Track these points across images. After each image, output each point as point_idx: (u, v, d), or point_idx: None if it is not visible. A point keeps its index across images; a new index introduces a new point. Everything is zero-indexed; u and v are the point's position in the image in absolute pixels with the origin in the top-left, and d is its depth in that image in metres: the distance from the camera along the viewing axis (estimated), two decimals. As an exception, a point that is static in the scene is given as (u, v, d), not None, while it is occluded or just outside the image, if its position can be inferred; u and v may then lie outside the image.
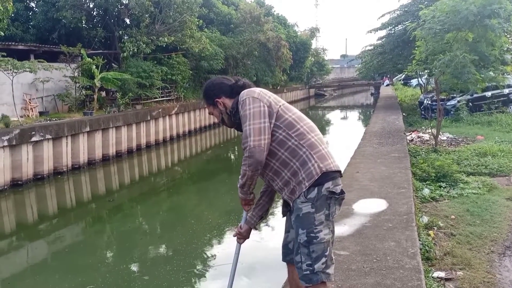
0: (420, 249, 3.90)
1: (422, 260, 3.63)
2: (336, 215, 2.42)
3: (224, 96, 2.52)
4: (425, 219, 4.97)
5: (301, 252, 2.31)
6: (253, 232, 2.70)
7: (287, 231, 2.55)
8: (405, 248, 3.61)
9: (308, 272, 2.28)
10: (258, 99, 2.35)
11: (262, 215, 2.68)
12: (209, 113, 2.63)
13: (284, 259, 2.60)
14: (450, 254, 4.12)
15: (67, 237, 9.13)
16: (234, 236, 2.69)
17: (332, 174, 2.33)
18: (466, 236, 4.56)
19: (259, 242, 7.09)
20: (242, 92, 2.43)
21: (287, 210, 2.52)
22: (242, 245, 2.70)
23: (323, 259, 2.28)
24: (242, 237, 2.67)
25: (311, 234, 2.28)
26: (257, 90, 2.43)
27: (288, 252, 2.53)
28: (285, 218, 2.59)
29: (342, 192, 2.38)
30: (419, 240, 4.06)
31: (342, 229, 4.04)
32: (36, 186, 12.08)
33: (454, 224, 4.93)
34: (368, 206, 4.85)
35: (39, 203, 11.19)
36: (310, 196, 2.29)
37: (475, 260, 3.98)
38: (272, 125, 2.34)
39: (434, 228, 4.79)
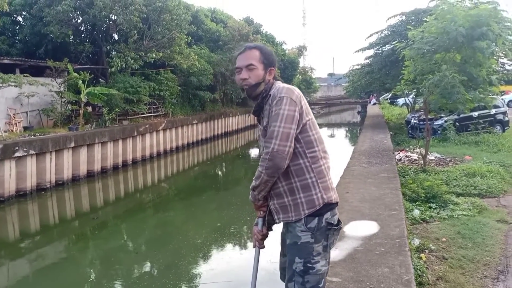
0: (413, 273, 3.79)
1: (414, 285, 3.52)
2: (334, 245, 2.36)
3: (275, 68, 2.41)
4: (416, 241, 4.88)
5: (295, 280, 2.24)
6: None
7: (283, 254, 2.45)
8: (399, 274, 3.50)
9: None
10: (295, 102, 2.23)
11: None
12: (247, 66, 2.35)
13: (282, 279, 2.49)
14: (443, 279, 4.02)
15: (49, 255, 8.89)
16: (255, 245, 2.47)
17: (331, 206, 2.29)
18: (458, 259, 4.48)
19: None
20: (282, 86, 2.29)
21: (272, 219, 2.43)
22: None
23: None
24: (264, 239, 2.47)
25: (308, 265, 2.22)
26: (296, 91, 2.29)
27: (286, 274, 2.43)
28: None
29: (339, 222, 2.33)
30: (412, 264, 3.96)
31: (333, 253, 3.91)
32: (18, 202, 11.78)
33: (445, 247, 4.85)
34: (359, 229, 4.75)
35: (21, 220, 10.89)
36: (311, 225, 2.24)
37: (469, 285, 3.90)
38: (296, 135, 2.24)
39: (425, 251, 4.71)
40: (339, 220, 2.33)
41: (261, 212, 2.43)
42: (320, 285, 2.24)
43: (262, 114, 2.35)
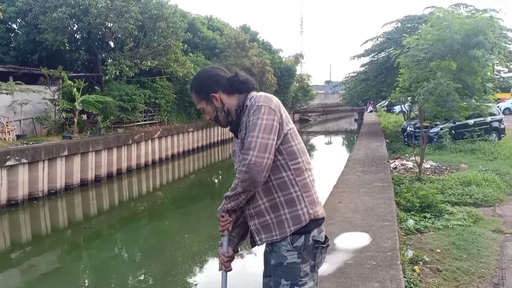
0: (405, 286, 3.68)
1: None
2: (321, 265, 2.20)
3: (221, 91, 2.18)
4: (410, 253, 4.77)
5: None
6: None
7: (267, 275, 2.28)
8: (390, 290, 3.39)
9: None
10: (274, 111, 2.06)
11: (243, 235, 2.34)
12: (200, 109, 2.27)
13: None
14: (436, 293, 3.91)
15: (41, 265, 8.78)
16: (221, 268, 2.28)
17: (317, 222, 2.13)
18: (452, 272, 4.36)
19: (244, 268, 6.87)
20: (258, 95, 2.13)
21: (253, 240, 2.24)
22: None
23: None
24: (230, 261, 2.28)
25: (296, 287, 2.06)
26: (275, 99, 2.12)
27: None
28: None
29: (326, 239, 2.18)
30: (404, 277, 3.85)
31: (322, 267, 3.76)
32: (9, 212, 11.63)
33: (440, 259, 4.74)
34: (350, 241, 4.63)
35: (12, 230, 10.75)
36: (297, 244, 2.07)
37: (463, 299, 3.78)
38: (276, 146, 2.07)
39: (419, 263, 4.59)
40: (326, 237, 2.18)
41: (225, 231, 2.22)
42: None
43: (240, 127, 2.17)
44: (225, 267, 2.28)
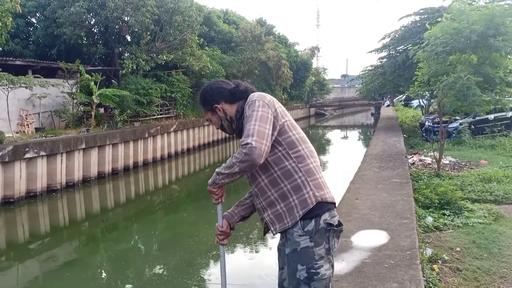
0: (424, 286, 3.61)
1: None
2: (336, 249, 2.23)
3: (223, 101, 2.33)
4: (429, 251, 4.67)
5: None
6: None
7: (281, 267, 2.31)
8: (409, 290, 3.32)
9: None
10: (267, 105, 2.18)
11: (245, 216, 2.46)
12: (207, 120, 2.45)
13: None
14: (456, 293, 3.83)
15: (59, 256, 8.89)
16: (216, 241, 2.40)
17: (328, 205, 2.18)
18: (473, 271, 4.26)
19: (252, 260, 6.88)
20: (253, 93, 2.26)
21: (265, 231, 2.35)
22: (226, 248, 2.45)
23: None
24: (226, 236, 2.39)
25: (312, 270, 2.09)
26: (268, 96, 2.25)
27: None
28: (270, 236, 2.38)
29: (340, 224, 2.21)
30: (423, 277, 3.77)
31: (339, 266, 3.73)
32: (28, 204, 11.81)
33: (459, 258, 4.64)
34: (368, 239, 4.55)
35: (31, 222, 10.90)
36: (308, 228, 2.12)
37: (484, 300, 3.69)
38: (273, 137, 2.15)
39: (438, 262, 4.50)
40: (340, 222, 2.21)
41: (218, 200, 2.30)
42: None
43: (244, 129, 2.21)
44: (219, 240, 2.39)
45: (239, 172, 2.11)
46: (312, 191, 2.14)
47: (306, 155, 2.21)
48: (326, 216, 2.14)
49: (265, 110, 2.15)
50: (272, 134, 2.14)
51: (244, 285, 6.15)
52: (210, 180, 2.23)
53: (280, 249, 2.32)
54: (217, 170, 2.20)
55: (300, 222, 2.13)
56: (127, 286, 7.21)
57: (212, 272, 7.19)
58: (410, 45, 11.91)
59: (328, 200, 2.18)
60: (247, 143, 2.05)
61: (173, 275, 7.26)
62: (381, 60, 22.61)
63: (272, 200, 2.20)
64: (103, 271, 8.11)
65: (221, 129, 2.41)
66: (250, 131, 2.08)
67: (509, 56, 9.15)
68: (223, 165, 2.17)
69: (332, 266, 2.20)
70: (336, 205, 2.27)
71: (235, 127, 2.32)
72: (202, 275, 7.21)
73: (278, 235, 2.32)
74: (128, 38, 21.92)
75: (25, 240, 9.91)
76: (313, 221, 2.12)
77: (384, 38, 21.57)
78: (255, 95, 2.23)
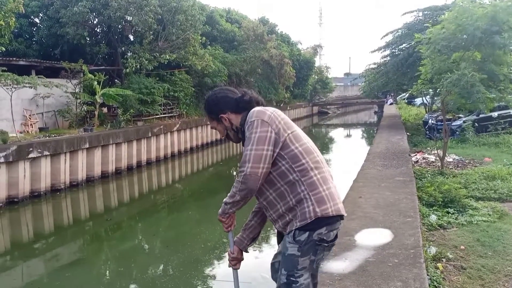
0: (429, 285, 3.59)
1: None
2: (322, 261, 2.33)
3: (229, 111, 2.37)
4: (433, 250, 4.66)
5: None
6: (250, 250, 2.53)
7: (279, 252, 2.45)
8: (413, 289, 3.31)
9: None
10: (267, 123, 2.20)
11: (254, 237, 2.55)
12: (212, 128, 2.49)
13: (273, 277, 2.49)
14: (461, 291, 3.81)
15: (64, 256, 8.92)
16: (229, 265, 2.52)
17: (327, 220, 2.20)
18: (477, 270, 4.25)
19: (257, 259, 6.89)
20: (253, 110, 2.27)
21: (281, 239, 2.42)
22: (239, 270, 2.54)
23: None
24: (238, 261, 2.51)
25: (291, 278, 2.19)
26: (269, 111, 2.25)
27: (275, 271, 2.44)
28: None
29: (334, 238, 2.27)
30: (427, 275, 3.76)
31: (343, 264, 3.73)
32: (32, 203, 11.84)
33: (464, 256, 4.62)
34: (371, 237, 4.54)
35: (35, 221, 10.93)
36: (300, 238, 2.19)
37: (489, 298, 3.68)
38: (275, 154, 2.20)
39: (442, 260, 4.49)
40: (335, 236, 2.26)
41: (229, 228, 2.42)
42: None
43: None
44: (232, 265, 2.50)
45: (241, 200, 2.23)
46: (313, 206, 2.17)
47: (310, 167, 2.22)
48: (321, 231, 2.18)
49: (263, 130, 2.17)
50: (274, 151, 2.19)
51: (249, 283, 6.16)
52: (219, 211, 2.34)
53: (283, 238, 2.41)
54: (224, 200, 2.31)
55: (295, 231, 2.19)
56: (133, 284, 7.22)
57: (218, 271, 7.20)
58: (413, 42, 11.87)
59: (329, 215, 2.18)
60: (242, 171, 2.15)
61: (179, 273, 7.29)
62: (384, 58, 22.55)
63: (281, 213, 2.27)
64: (108, 269, 8.13)
65: (227, 138, 2.45)
66: (246, 157, 2.16)
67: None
68: (228, 194, 2.28)
69: (313, 275, 2.26)
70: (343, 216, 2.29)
71: (241, 137, 2.36)
72: (208, 273, 7.22)
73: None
74: (131, 37, 21.94)
75: (29, 239, 9.94)
76: (307, 233, 2.18)
77: (386, 35, 21.50)
78: (254, 114, 2.23)
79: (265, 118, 2.20)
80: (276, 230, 2.47)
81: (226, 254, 7.72)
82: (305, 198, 2.19)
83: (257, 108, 2.28)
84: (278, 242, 2.48)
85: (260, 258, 7.53)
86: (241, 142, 2.41)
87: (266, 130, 2.17)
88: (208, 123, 2.53)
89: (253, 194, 2.22)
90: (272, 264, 2.48)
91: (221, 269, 7.34)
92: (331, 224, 2.21)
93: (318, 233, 2.18)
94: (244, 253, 2.55)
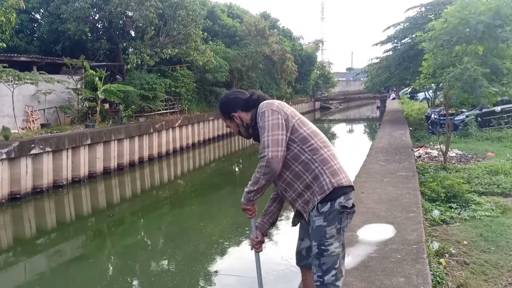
0: (431, 280, 3.57)
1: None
2: (348, 228, 2.53)
3: (240, 110, 2.64)
4: (436, 245, 4.64)
5: (313, 263, 2.44)
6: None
7: (301, 238, 2.70)
8: (416, 285, 3.26)
9: (318, 283, 2.41)
10: (276, 111, 2.45)
11: (273, 222, 2.80)
12: (226, 126, 2.77)
13: (298, 264, 2.74)
14: (464, 287, 3.79)
15: (66, 252, 8.93)
16: (252, 248, 2.76)
17: (344, 189, 2.43)
18: (480, 265, 4.23)
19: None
20: (262, 103, 2.53)
21: (298, 220, 2.67)
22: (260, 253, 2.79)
23: (333, 272, 2.39)
24: (260, 244, 2.75)
25: (322, 247, 2.39)
26: (276, 102, 2.53)
27: (302, 258, 2.69)
28: (295, 227, 2.74)
29: (353, 205, 2.48)
30: (430, 270, 3.73)
31: (346, 260, 3.69)
32: (35, 199, 11.86)
33: (467, 251, 4.60)
34: (374, 233, 4.51)
35: (38, 217, 10.95)
36: (323, 210, 2.40)
37: (492, 293, 3.65)
38: (287, 138, 2.44)
39: (445, 256, 4.47)
40: (353, 204, 2.47)
41: (251, 214, 2.64)
42: (336, 266, 2.40)
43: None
44: (256, 248, 2.75)
45: (266, 184, 2.45)
46: (329, 178, 2.40)
47: (319, 146, 2.47)
48: (341, 200, 2.40)
49: (274, 117, 2.43)
50: (286, 136, 2.44)
51: (251, 278, 6.17)
52: (243, 200, 2.56)
53: (303, 224, 2.66)
54: (246, 189, 2.52)
55: (318, 205, 2.41)
56: (137, 278, 7.23)
57: (221, 266, 7.22)
58: (415, 35, 11.80)
59: (344, 185, 2.42)
60: (264, 156, 2.38)
61: (181, 269, 7.29)
62: (386, 53, 22.45)
63: (300, 192, 2.48)
64: (110, 265, 8.14)
65: (239, 134, 2.72)
66: (265, 143, 2.39)
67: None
68: (249, 183, 2.49)
69: (343, 245, 2.47)
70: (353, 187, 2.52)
71: (252, 132, 2.62)
72: (209, 269, 7.22)
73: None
74: (132, 33, 21.88)
75: (32, 235, 9.97)
76: (328, 203, 2.40)
77: (389, 28, 21.39)
78: (264, 105, 2.51)
79: (274, 108, 2.47)
80: (293, 216, 2.70)
81: (229, 251, 7.79)
82: (320, 173, 2.42)
83: (265, 101, 2.55)
84: (295, 224, 2.70)
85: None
86: (252, 138, 2.65)
87: (277, 117, 2.43)
88: (224, 122, 2.80)
89: (275, 176, 2.42)
90: (298, 252, 2.70)
91: (225, 263, 7.37)
92: (347, 193, 2.44)
93: (338, 202, 2.40)
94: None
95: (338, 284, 2.41)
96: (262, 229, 2.76)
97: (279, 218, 2.87)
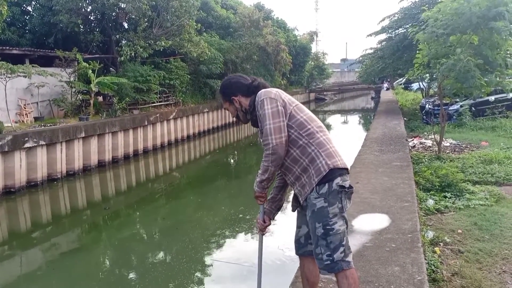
0: (426, 269, 3.60)
1: (428, 281, 3.32)
2: (348, 208, 2.59)
3: (240, 94, 2.73)
4: (430, 234, 4.67)
5: (320, 244, 2.49)
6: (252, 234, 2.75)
7: (298, 226, 2.77)
8: (411, 274, 3.29)
9: (329, 262, 2.47)
10: (274, 99, 2.56)
11: (279, 208, 2.93)
12: (225, 109, 2.84)
13: (297, 253, 2.82)
14: (458, 275, 3.81)
15: (61, 245, 8.91)
16: (259, 231, 2.91)
17: (340, 171, 2.52)
18: (475, 253, 4.26)
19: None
20: (260, 92, 2.62)
21: (296, 205, 2.75)
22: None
23: (341, 249, 2.47)
24: (266, 227, 2.87)
25: (327, 227, 2.46)
26: (274, 90, 2.63)
27: (300, 246, 2.76)
28: (294, 213, 2.84)
29: (350, 186, 2.55)
30: (425, 259, 3.76)
31: (341, 249, 3.73)
32: (29, 193, 11.81)
33: (461, 240, 4.63)
34: (369, 223, 4.54)
35: (32, 211, 10.91)
36: (322, 191, 2.48)
37: (486, 281, 3.68)
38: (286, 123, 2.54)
39: (440, 244, 4.50)
40: (350, 185, 2.55)
41: (263, 201, 2.76)
42: (343, 243, 2.49)
43: (258, 120, 2.64)
44: (262, 231, 2.90)
45: (275, 170, 2.56)
46: (325, 160, 2.49)
47: (316, 131, 2.57)
48: (338, 180, 2.49)
49: (273, 105, 2.53)
50: (285, 122, 2.54)
51: (250, 266, 6.21)
52: (258, 189, 2.65)
53: (299, 211, 2.76)
54: (257, 179, 2.62)
55: (316, 187, 2.49)
56: (133, 269, 7.25)
57: (216, 256, 7.24)
58: (410, 25, 11.78)
59: (339, 166, 2.52)
60: (269, 143, 2.49)
61: (176, 261, 7.31)
62: (381, 43, 22.42)
63: (298, 175, 2.58)
64: (107, 256, 8.15)
65: (237, 118, 2.81)
66: (268, 131, 2.50)
67: (510, 38, 9.04)
68: (259, 172, 2.59)
69: (346, 222, 2.55)
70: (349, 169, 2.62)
71: (249, 118, 2.71)
72: (205, 261, 7.24)
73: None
74: (125, 25, 21.70)
75: (27, 229, 9.92)
76: (326, 184, 2.48)
77: (383, 20, 21.36)
78: (262, 94, 2.59)
79: (272, 96, 2.57)
80: (291, 200, 2.80)
81: (228, 244, 7.80)
82: (316, 155, 2.52)
83: (263, 90, 2.64)
84: (293, 209, 2.79)
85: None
86: (250, 123, 2.75)
87: (276, 105, 2.53)
88: (223, 105, 2.89)
89: (282, 161, 2.54)
90: (297, 240, 2.77)
91: (222, 252, 7.42)
92: (343, 175, 2.53)
93: (336, 183, 2.49)
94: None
95: (348, 259, 2.48)
96: (270, 214, 2.88)
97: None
